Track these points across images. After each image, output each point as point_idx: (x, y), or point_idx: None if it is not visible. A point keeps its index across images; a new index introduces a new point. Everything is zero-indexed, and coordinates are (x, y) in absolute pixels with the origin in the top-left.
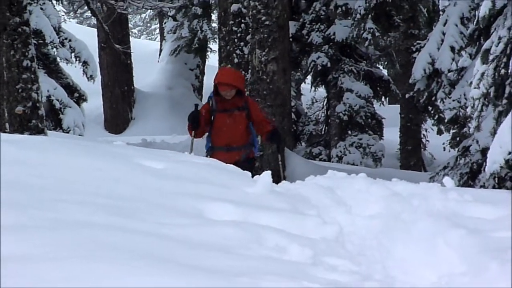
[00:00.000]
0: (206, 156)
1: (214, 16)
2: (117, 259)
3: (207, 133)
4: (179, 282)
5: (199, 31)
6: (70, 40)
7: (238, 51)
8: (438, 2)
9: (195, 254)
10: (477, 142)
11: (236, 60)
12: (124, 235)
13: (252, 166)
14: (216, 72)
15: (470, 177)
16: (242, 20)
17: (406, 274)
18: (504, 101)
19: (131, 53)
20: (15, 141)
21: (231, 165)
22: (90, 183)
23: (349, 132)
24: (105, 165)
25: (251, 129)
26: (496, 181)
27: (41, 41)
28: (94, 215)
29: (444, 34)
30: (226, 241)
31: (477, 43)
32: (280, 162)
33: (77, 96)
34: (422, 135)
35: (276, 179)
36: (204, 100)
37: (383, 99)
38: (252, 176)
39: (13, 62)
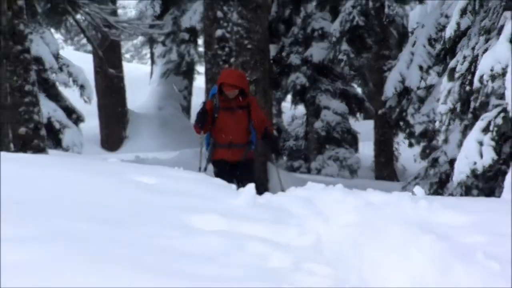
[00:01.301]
0: (208, 153)
1: (200, 41)
2: (107, 268)
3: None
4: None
5: (187, 55)
6: (68, 66)
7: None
8: (407, 24)
9: (180, 262)
10: (445, 153)
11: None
12: (113, 245)
13: (252, 166)
14: (219, 79)
15: (439, 186)
16: (226, 44)
17: (380, 278)
18: (469, 115)
19: (124, 77)
20: (18, 159)
21: (219, 177)
22: (85, 197)
23: (327, 146)
24: (99, 181)
25: (251, 128)
26: (463, 190)
27: (41, 67)
28: (87, 226)
29: (413, 54)
30: (210, 250)
31: (444, 62)
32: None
33: (75, 117)
34: (394, 148)
35: (263, 188)
36: (193, 118)
37: (357, 115)
38: (252, 176)
39: (16, 87)
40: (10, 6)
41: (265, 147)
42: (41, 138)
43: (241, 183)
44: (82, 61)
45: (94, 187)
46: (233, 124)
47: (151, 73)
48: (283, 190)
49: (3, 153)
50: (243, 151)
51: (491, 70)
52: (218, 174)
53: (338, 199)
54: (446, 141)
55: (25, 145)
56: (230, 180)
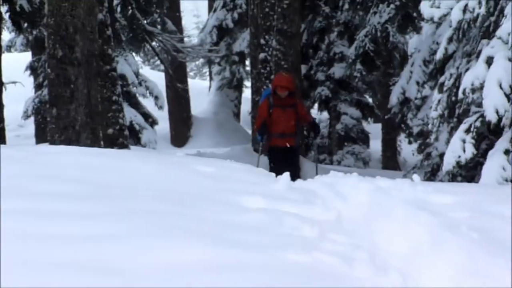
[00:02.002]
0: (263, 142)
1: (247, 62)
2: (180, 236)
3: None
4: (216, 253)
5: (237, 73)
6: (145, 81)
7: (264, 87)
8: (407, 49)
9: (234, 232)
10: (436, 149)
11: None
12: (180, 219)
13: (298, 151)
14: (274, 82)
15: (432, 174)
16: (267, 65)
17: (386, 243)
18: (455, 119)
19: (188, 89)
20: (106, 154)
21: (280, 151)
22: (157, 182)
23: (345, 143)
24: (170, 170)
25: (297, 121)
26: (450, 177)
27: (125, 82)
28: (159, 205)
29: (411, 72)
30: (256, 223)
31: (435, 78)
32: (317, 143)
33: (151, 121)
34: (397, 145)
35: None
36: (242, 121)
37: (369, 119)
38: (297, 159)
39: (105, 97)
40: (101, 35)
41: (312, 130)
42: (124, 137)
43: (288, 165)
44: (156, 77)
45: (167, 175)
46: (284, 118)
47: (209, 86)
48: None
49: (96, 149)
50: (292, 139)
51: (472, 85)
52: (272, 157)
53: (354, 184)
54: (437, 139)
55: (112, 142)
56: (280, 162)
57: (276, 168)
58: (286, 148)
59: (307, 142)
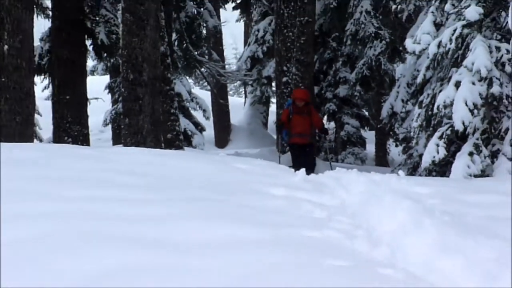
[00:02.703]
0: (286, 140)
1: (273, 84)
2: (219, 218)
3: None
4: (249, 230)
5: (265, 92)
6: (196, 98)
7: (287, 102)
8: (395, 75)
9: (263, 215)
10: (417, 151)
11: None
12: (223, 204)
13: (313, 148)
14: (293, 95)
15: (413, 170)
16: (288, 86)
17: (378, 224)
18: (431, 129)
19: (229, 105)
20: (166, 153)
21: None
22: (204, 176)
23: (347, 146)
24: (213, 166)
25: (311, 125)
26: (427, 172)
27: (180, 99)
28: (206, 193)
29: (398, 92)
30: (280, 207)
31: (416, 97)
32: (326, 142)
33: (200, 128)
34: (387, 148)
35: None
36: (269, 129)
37: (365, 128)
38: (313, 154)
39: (165, 110)
40: (162, 63)
41: (322, 133)
42: (180, 141)
43: (304, 160)
44: (204, 95)
45: (212, 170)
46: (301, 122)
47: (244, 102)
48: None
49: (158, 150)
50: (307, 138)
51: (444, 102)
52: (292, 151)
53: (354, 178)
54: (417, 143)
55: (170, 145)
56: (298, 154)
57: (296, 159)
58: (302, 144)
59: (318, 144)
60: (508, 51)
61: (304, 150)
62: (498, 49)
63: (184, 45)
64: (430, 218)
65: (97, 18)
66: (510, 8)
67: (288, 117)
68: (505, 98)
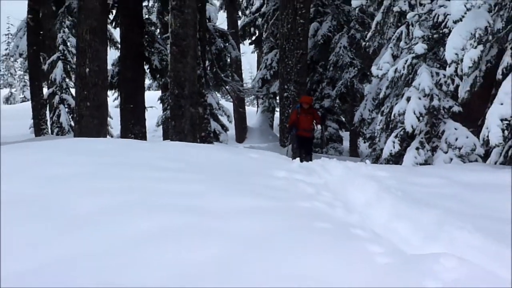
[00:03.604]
0: (294, 133)
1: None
2: (237, 192)
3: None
4: (260, 202)
5: (272, 104)
6: (222, 107)
7: (288, 111)
8: (364, 91)
9: (268, 191)
10: (379, 146)
11: (286, 114)
12: (240, 183)
13: (312, 141)
14: (300, 99)
15: (376, 160)
16: (288, 100)
17: (352, 197)
18: (389, 130)
19: (245, 112)
20: (200, 146)
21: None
22: (227, 162)
23: (330, 142)
24: (234, 155)
25: (313, 123)
26: (386, 162)
27: (211, 108)
28: (228, 175)
29: (366, 104)
30: (281, 186)
31: (379, 108)
32: (324, 132)
33: (225, 129)
34: (357, 144)
35: (306, 151)
36: (274, 129)
37: (342, 130)
38: (311, 145)
39: (200, 116)
40: (198, 82)
41: (322, 123)
42: (210, 138)
43: (305, 148)
44: (228, 105)
45: (233, 158)
46: (306, 120)
47: (257, 110)
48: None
49: (195, 143)
50: (310, 132)
51: (398, 112)
52: (297, 142)
53: (334, 165)
54: (379, 141)
55: (203, 141)
56: (301, 144)
57: (300, 146)
58: (306, 136)
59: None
60: (444, 76)
61: (306, 141)
62: (437, 74)
63: (214, 69)
64: (388, 194)
65: (152, 50)
66: (446, 45)
67: (297, 116)
68: (442, 109)
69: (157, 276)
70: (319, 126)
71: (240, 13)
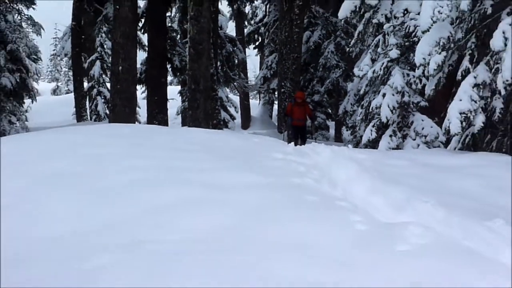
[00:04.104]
0: (289, 123)
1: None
2: (242, 170)
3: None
4: (261, 178)
5: (271, 98)
6: (230, 100)
7: (285, 103)
8: (347, 89)
9: (267, 169)
10: (359, 133)
11: (283, 106)
12: (244, 162)
13: (305, 129)
14: (294, 92)
15: (356, 145)
16: (285, 94)
17: (336, 175)
18: (367, 121)
19: (249, 104)
20: (212, 131)
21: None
22: (234, 144)
23: (319, 130)
24: (239, 139)
25: (306, 114)
26: (365, 146)
27: (221, 100)
28: (235, 154)
29: (348, 99)
30: (278, 165)
31: (360, 102)
32: (312, 127)
33: (233, 118)
34: (341, 131)
35: (300, 137)
36: (273, 119)
37: (329, 120)
38: (305, 133)
39: (212, 107)
40: (211, 79)
41: (312, 119)
42: (221, 125)
43: (300, 135)
44: (235, 98)
45: (239, 142)
46: (299, 111)
47: (259, 103)
48: (304, 143)
49: (208, 129)
50: (302, 122)
51: (376, 105)
52: (292, 129)
53: (322, 148)
54: (359, 129)
55: (215, 127)
56: (296, 133)
57: (295, 134)
58: (300, 126)
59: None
60: (414, 76)
61: (300, 129)
62: (408, 75)
63: (224, 69)
64: (366, 173)
65: (174, 52)
66: (416, 51)
67: (291, 108)
68: (411, 104)
69: (176, 237)
70: (309, 120)
71: (246, 22)
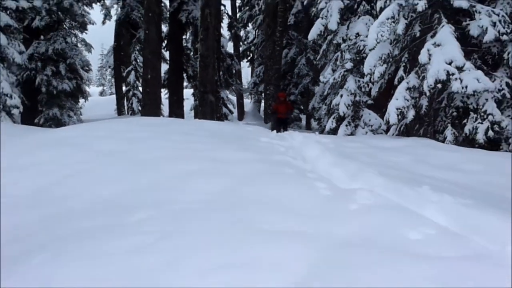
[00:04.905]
0: (275, 116)
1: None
2: (238, 149)
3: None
4: (251, 155)
5: (259, 98)
6: (229, 99)
7: (269, 103)
8: (315, 91)
9: (256, 148)
10: (323, 124)
11: (267, 104)
12: (239, 143)
13: (287, 121)
14: (277, 94)
15: (321, 132)
16: (269, 97)
17: (307, 154)
18: (329, 115)
19: (243, 103)
20: (216, 123)
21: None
22: (231, 131)
23: (294, 122)
24: (235, 128)
25: (287, 109)
26: (327, 133)
27: (223, 99)
28: (232, 139)
29: (316, 99)
30: (264, 146)
31: (324, 101)
32: (292, 117)
33: (231, 112)
34: (311, 122)
35: (283, 126)
36: (261, 113)
37: (301, 114)
38: (286, 123)
39: (216, 104)
40: (216, 84)
41: (291, 111)
42: (222, 118)
43: (283, 127)
44: (233, 98)
45: (235, 129)
46: (282, 107)
47: (250, 101)
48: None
49: (214, 121)
50: (285, 115)
51: (335, 103)
52: (277, 121)
53: (297, 134)
54: (323, 120)
55: (218, 119)
56: (280, 123)
57: (279, 125)
58: (283, 118)
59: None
60: (363, 82)
61: (284, 120)
62: (359, 81)
63: (225, 77)
64: (329, 152)
65: (188, 64)
66: (364, 64)
67: (277, 106)
68: (361, 102)
69: (192, 197)
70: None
71: (241, 43)
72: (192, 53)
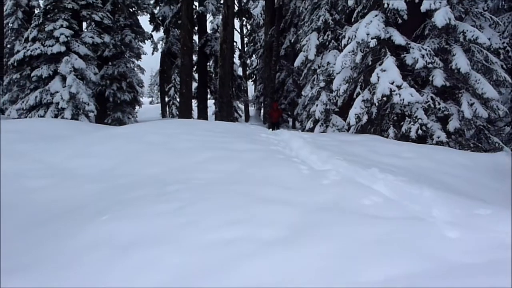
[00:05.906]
0: (270, 120)
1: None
2: (244, 141)
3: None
4: (253, 146)
5: (260, 106)
6: (239, 107)
7: (266, 110)
8: (299, 102)
9: (258, 141)
10: (304, 125)
11: (265, 111)
12: (244, 137)
13: (279, 123)
14: (272, 104)
15: (302, 130)
16: (268, 105)
17: (293, 145)
18: (308, 119)
19: (249, 109)
20: (230, 123)
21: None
22: (240, 129)
23: (284, 123)
24: (242, 126)
25: (279, 115)
26: (307, 131)
27: (235, 107)
28: (239, 134)
29: (300, 107)
30: (262, 140)
31: (305, 109)
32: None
33: (241, 116)
34: (296, 123)
35: (276, 126)
36: (261, 117)
37: (289, 118)
38: (278, 125)
39: (230, 111)
40: (230, 96)
41: (281, 117)
42: (235, 120)
43: (276, 127)
44: (242, 106)
45: (242, 127)
46: (275, 114)
47: (254, 108)
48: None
49: (226, 122)
50: (278, 119)
51: (312, 110)
52: (271, 124)
53: (286, 133)
54: (304, 122)
55: (232, 121)
56: (274, 126)
57: (272, 126)
58: (275, 122)
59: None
60: (332, 96)
61: (276, 123)
62: (329, 95)
63: (236, 91)
64: (308, 144)
65: (211, 83)
66: (333, 83)
67: (271, 113)
68: (331, 110)
69: (211, 175)
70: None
71: (247, 68)
72: (213, 75)
